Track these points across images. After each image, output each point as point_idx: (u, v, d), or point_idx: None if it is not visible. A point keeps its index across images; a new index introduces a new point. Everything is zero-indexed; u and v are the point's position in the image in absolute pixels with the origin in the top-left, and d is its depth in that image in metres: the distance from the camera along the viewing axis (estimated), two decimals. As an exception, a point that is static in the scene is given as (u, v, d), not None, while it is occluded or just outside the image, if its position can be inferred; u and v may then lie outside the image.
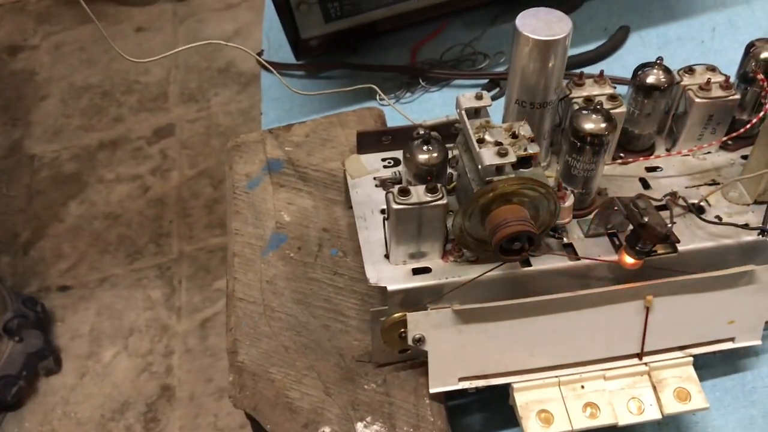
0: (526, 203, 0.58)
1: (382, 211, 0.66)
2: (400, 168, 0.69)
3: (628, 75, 0.82)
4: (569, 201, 0.62)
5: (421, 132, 0.61)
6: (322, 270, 0.71)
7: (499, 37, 0.94)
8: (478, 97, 0.62)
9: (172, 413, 1.65)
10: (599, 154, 0.61)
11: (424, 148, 0.60)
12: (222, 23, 2.29)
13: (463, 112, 0.61)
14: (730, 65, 0.71)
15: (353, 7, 0.93)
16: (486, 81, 0.90)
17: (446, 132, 0.69)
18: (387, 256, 0.63)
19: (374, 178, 0.69)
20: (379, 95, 0.92)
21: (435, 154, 0.60)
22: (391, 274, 0.61)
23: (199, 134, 2.04)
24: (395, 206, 0.58)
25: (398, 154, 0.70)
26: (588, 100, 0.65)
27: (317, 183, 0.77)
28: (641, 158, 0.69)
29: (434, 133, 0.62)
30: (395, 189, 0.58)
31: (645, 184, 0.68)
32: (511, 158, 0.57)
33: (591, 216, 0.64)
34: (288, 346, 0.67)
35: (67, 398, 1.70)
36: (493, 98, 0.89)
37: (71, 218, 1.96)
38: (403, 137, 0.70)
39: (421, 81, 0.92)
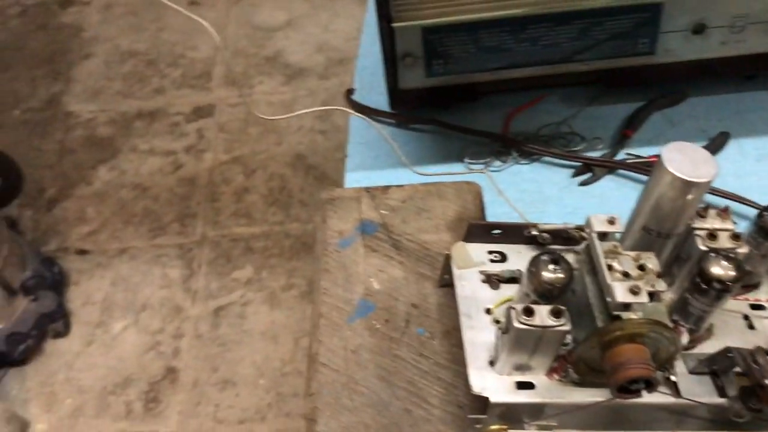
0: (648, 343, 0.57)
1: (488, 311, 0.64)
2: (508, 266, 0.67)
3: (723, 183, 0.81)
4: (683, 340, 0.61)
5: (547, 244, 0.60)
6: (408, 349, 0.69)
7: (595, 118, 0.92)
8: (611, 222, 0.60)
9: (174, 396, 1.63)
10: (722, 298, 0.60)
11: (551, 267, 0.58)
12: (275, 11, 2.25)
13: (594, 234, 0.59)
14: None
15: (457, 67, 0.90)
16: (579, 164, 0.88)
17: (558, 235, 0.67)
18: (491, 363, 0.61)
19: (480, 272, 0.67)
20: (469, 161, 0.91)
21: (562, 275, 0.58)
22: (495, 385, 0.59)
23: (238, 120, 2.00)
24: (517, 325, 0.56)
25: (505, 248, 0.69)
26: (711, 235, 0.63)
27: (410, 254, 0.75)
28: (749, 298, 0.68)
29: (561, 250, 0.60)
30: (518, 307, 0.56)
31: (749, 323, 0.67)
32: (643, 298, 0.55)
33: (694, 351, 0.63)
34: (369, 424, 0.65)
35: (72, 364, 1.68)
36: (584, 183, 0.87)
37: (99, 183, 1.93)
38: (513, 233, 0.68)
39: (513, 152, 0.90)
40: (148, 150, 1.97)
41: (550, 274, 0.58)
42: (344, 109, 0.88)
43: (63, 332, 1.71)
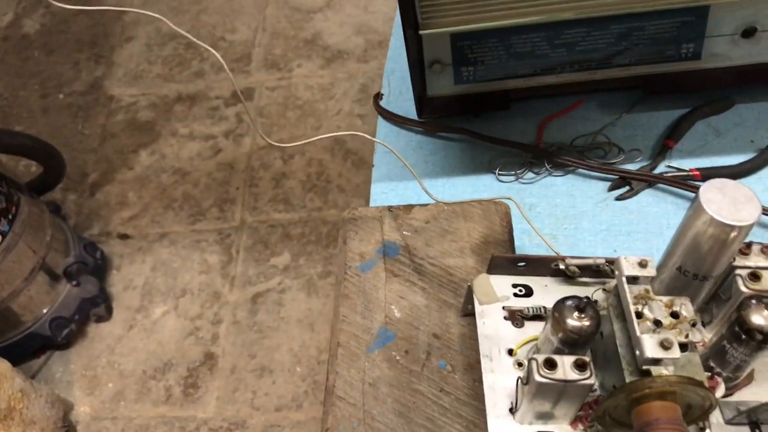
0: (679, 400, 0.52)
1: (510, 352, 0.60)
2: (533, 301, 0.63)
3: None
4: (719, 392, 0.56)
5: (577, 292, 0.55)
6: (428, 383, 0.66)
7: (634, 127, 0.86)
8: (642, 265, 0.55)
9: (212, 382, 1.63)
10: (763, 349, 0.55)
11: (577, 315, 0.54)
12: (315, -8, 2.19)
13: (624, 278, 0.55)
14: None
15: (487, 74, 0.85)
16: (616, 177, 0.82)
17: (587, 268, 0.63)
18: (512, 410, 0.57)
19: (503, 307, 0.63)
20: (500, 172, 0.86)
21: (588, 324, 0.53)
22: (514, 435, 0.56)
23: (276, 103, 1.97)
24: (539, 379, 0.52)
25: (531, 281, 0.64)
26: (754, 275, 0.58)
27: (432, 279, 0.71)
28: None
29: (590, 298, 0.55)
30: (540, 359, 0.52)
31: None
32: (675, 353, 0.51)
33: (732, 399, 0.58)
34: (385, 464, 0.62)
35: (113, 348, 1.69)
36: (621, 198, 0.82)
37: (140, 167, 1.92)
38: (539, 265, 0.64)
39: (546, 164, 0.84)
40: (187, 134, 1.95)
41: (575, 322, 0.54)
42: (365, 135, 0.83)
43: (105, 317, 1.72)
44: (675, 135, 0.84)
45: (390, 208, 0.75)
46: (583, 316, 0.54)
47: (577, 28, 0.81)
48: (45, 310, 1.62)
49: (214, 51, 0.73)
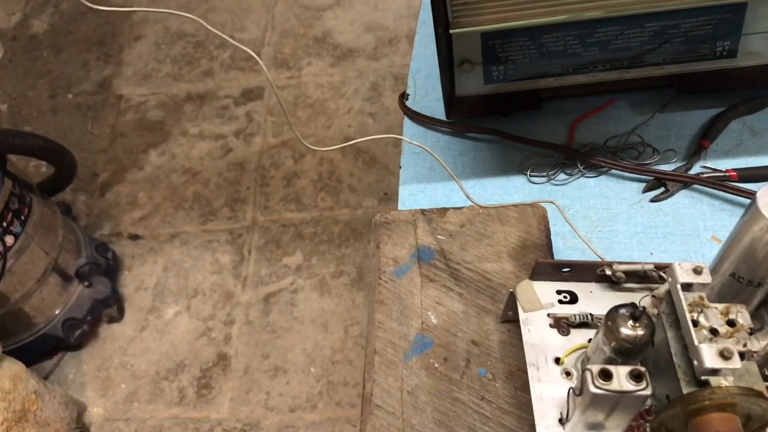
0: (738, 411, 0.50)
1: (557, 360, 0.58)
2: (579, 308, 0.60)
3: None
4: (777, 402, 0.54)
5: (631, 301, 0.53)
6: (469, 391, 0.64)
7: (667, 127, 0.84)
8: (697, 272, 0.53)
9: (225, 383, 1.61)
10: (822, 357, 0.53)
11: (631, 323, 0.51)
12: (324, -10, 2.17)
13: (678, 286, 0.53)
14: None
15: (518, 73, 0.83)
16: (651, 178, 0.80)
17: (633, 274, 0.61)
18: (561, 421, 0.55)
19: (548, 315, 0.61)
20: (531, 174, 0.84)
21: (643, 333, 0.51)
22: (565, 447, 0.54)
23: (286, 102, 1.94)
24: (594, 390, 0.50)
25: (575, 287, 0.62)
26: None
27: (469, 284, 0.69)
28: None
29: (643, 305, 0.53)
30: (594, 369, 0.50)
31: None
32: (735, 363, 0.48)
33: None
34: (426, 475, 0.60)
35: (126, 348, 1.67)
36: (656, 199, 0.80)
37: (150, 167, 1.90)
38: (584, 271, 0.62)
39: (578, 164, 0.82)
40: (197, 134, 1.93)
41: (629, 331, 0.51)
42: (402, 137, 0.81)
43: (117, 318, 1.70)
44: (710, 135, 0.82)
45: (423, 212, 0.73)
46: (637, 324, 0.52)
47: (609, 27, 0.79)
48: (57, 312, 1.60)
49: (253, 53, 0.70)
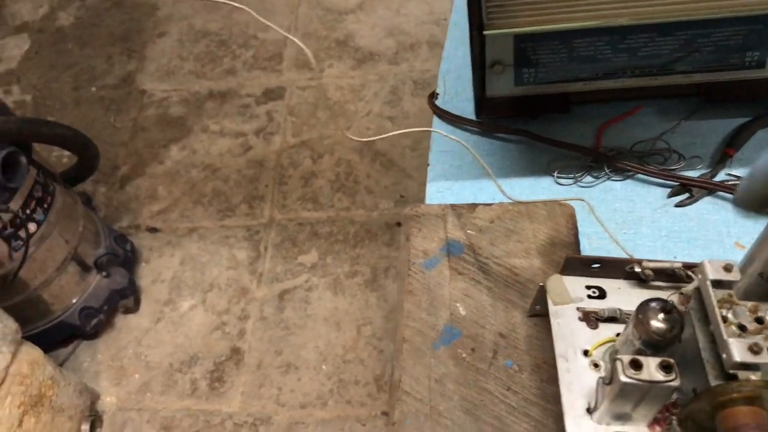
0: (765, 405, 0.51)
1: (585, 353, 0.60)
2: (608, 303, 0.62)
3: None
4: (801, 399, 0.55)
5: (660, 297, 0.54)
6: (495, 382, 0.65)
7: (694, 134, 0.85)
8: (727, 269, 0.54)
9: (238, 377, 1.62)
10: None
11: (662, 316, 0.53)
12: (348, -7, 2.19)
13: (708, 283, 0.54)
14: None
15: (548, 76, 0.84)
16: (676, 184, 0.81)
17: (661, 272, 0.62)
18: (588, 410, 0.57)
19: (577, 308, 0.62)
20: (558, 175, 0.85)
21: (672, 326, 0.53)
22: (593, 436, 0.55)
23: (307, 103, 1.96)
24: (624, 379, 0.51)
25: (604, 283, 0.63)
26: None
27: (497, 278, 0.70)
28: None
29: (673, 300, 0.55)
30: (625, 359, 0.51)
31: None
32: (765, 358, 0.50)
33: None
34: (452, 461, 0.62)
35: (140, 339, 1.68)
36: (681, 205, 0.81)
37: (170, 162, 1.92)
38: (613, 267, 0.63)
39: (605, 168, 0.84)
40: (218, 131, 1.95)
41: (660, 324, 0.53)
42: (438, 131, 0.83)
43: (133, 309, 1.72)
44: (735, 143, 0.83)
45: (453, 207, 0.74)
46: (667, 318, 0.53)
47: (640, 34, 0.80)
48: (75, 300, 1.61)
49: (304, 46, 0.71)
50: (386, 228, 1.78)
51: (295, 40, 2.04)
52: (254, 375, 1.62)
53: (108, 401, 1.61)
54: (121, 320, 1.71)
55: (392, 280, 1.70)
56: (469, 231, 0.72)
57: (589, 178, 0.84)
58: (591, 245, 0.77)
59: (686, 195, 0.81)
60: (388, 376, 1.56)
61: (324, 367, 1.62)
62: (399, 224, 1.74)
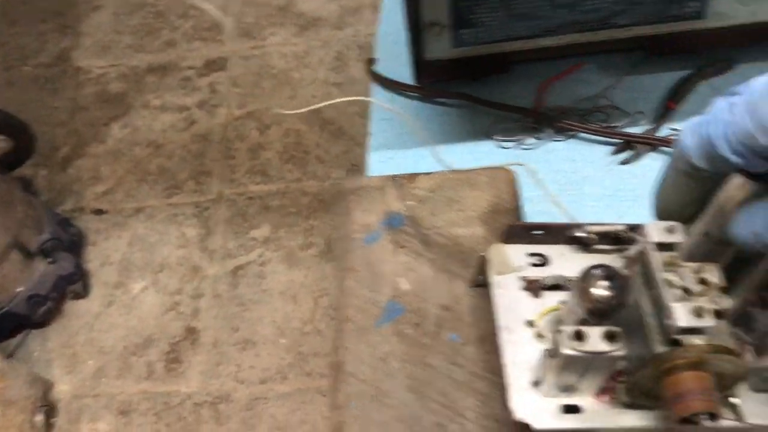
0: (710, 369, 0.50)
1: (530, 323, 0.58)
2: (551, 271, 0.60)
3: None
4: (747, 360, 0.54)
5: (602, 263, 0.52)
6: (441, 357, 0.63)
7: (636, 89, 0.83)
8: (670, 230, 0.52)
9: (194, 357, 1.59)
10: (793, 314, 0.52)
11: (605, 284, 0.51)
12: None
13: (652, 245, 0.52)
14: None
15: (487, 36, 0.81)
16: (620, 141, 0.79)
17: (606, 236, 0.60)
18: (535, 383, 0.55)
19: (519, 278, 0.60)
20: (499, 138, 0.82)
21: (617, 293, 0.51)
22: (538, 409, 0.53)
23: (251, 73, 1.91)
24: (567, 351, 0.49)
25: (547, 249, 0.61)
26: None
27: (440, 249, 0.67)
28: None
29: (617, 266, 0.52)
30: (567, 330, 0.49)
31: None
32: (708, 321, 0.48)
33: (759, 365, 0.56)
34: (400, 442, 0.59)
35: (92, 325, 1.63)
36: (625, 162, 0.79)
37: (112, 140, 1.85)
38: (556, 233, 0.61)
39: (547, 128, 0.81)
40: (160, 106, 1.88)
41: (603, 291, 0.51)
42: (373, 100, 0.79)
43: (82, 293, 1.66)
44: (677, 97, 0.81)
45: (393, 178, 0.71)
46: (612, 285, 0.51)
47: (578, -12, 0.77)
48: (20, 289, 1.55)
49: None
50: (339, 197, 1.73)
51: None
52: (211, 353, 1.59)
53: (62, 390, 1.57)
54: (70, 306, 1.66)
55: (346, 250, 1.67)
56: (409, 202, 0.69)
57: (531, 140, 0.81)
58: (533, 209, 0.75)
59: (630, 152, 0.79)
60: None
61: (282, 341, 1.59)
62: (350, 193, 1.70)
